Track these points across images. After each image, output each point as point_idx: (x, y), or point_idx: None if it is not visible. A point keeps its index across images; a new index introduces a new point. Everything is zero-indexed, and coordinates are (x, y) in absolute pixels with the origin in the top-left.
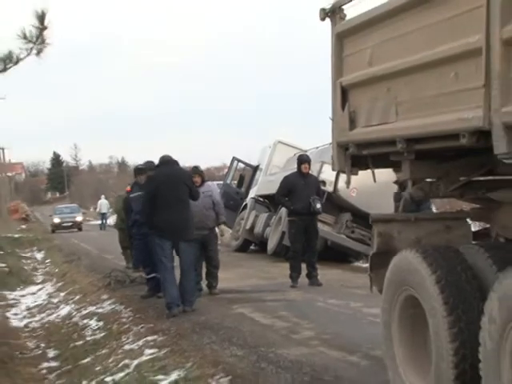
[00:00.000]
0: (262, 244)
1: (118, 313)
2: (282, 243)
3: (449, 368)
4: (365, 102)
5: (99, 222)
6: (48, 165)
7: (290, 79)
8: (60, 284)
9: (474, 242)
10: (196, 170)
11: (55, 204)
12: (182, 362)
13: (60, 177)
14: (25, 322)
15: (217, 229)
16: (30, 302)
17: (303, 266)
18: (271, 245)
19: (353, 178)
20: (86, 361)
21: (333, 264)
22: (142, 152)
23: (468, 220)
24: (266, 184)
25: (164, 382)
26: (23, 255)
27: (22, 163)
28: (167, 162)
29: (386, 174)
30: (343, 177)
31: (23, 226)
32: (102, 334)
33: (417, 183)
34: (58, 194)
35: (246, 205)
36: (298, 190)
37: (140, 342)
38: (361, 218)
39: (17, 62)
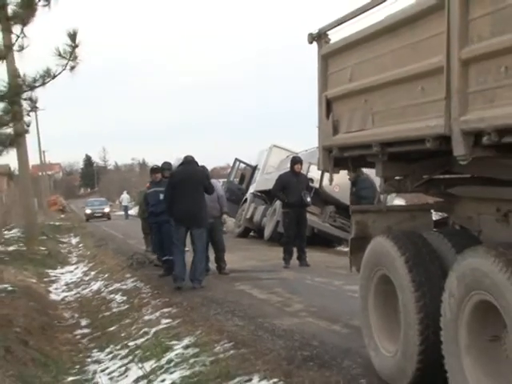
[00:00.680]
0: (259, 231)
1: (139, 289)
2: (277, 230)
3: (415, 335)
4: (346, 111)
5: (122, 212)
6: (81, 165)
7: (284, 96)
8: (91, 264)
9: (435, 229)
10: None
11: (87, 198)
12: (192, 330)
13: (91, 175)
14: (62, 296)
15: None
16: (67, 279)
17: (294, 250)
18: (267, 232)
19: (336, 176)
20: (112, 328)
21: (319, 248)
22: (159, 154)
23: (431, 211)
24: (263, 181)
25: (177, 346)
26: (62, 240)
27: (59, 164)
28: (188, 161)
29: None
30: (328, 175)
31: (62, 216)
32: (126, 307)
33: (388, 180)
34: (89, 190)
35: (246, 199)
36: (291, 186)
37: (157, 314)
38: (342, 210)
39: (54, 77)
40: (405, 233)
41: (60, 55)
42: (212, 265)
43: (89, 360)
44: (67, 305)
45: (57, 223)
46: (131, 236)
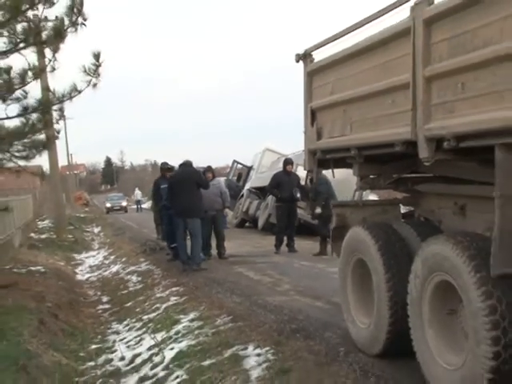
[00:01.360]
0: (254, 222)
1: (152, 271)
2: (269, 221)
3: (386, 309)
4: (328, 120)
5: (135, 206)
6: (102, 165)
7: (277, 106)
8: (110, 250)
9: (403, 221)
10: (209, 168)
11: (107, 194)
12: (196, 306)
13: (111, 174)
14: (86, 276)
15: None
16: (90, 262)
17: (285, 238)
18: (261, 222)
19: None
20: (129, 304)
21: (305, 237)
22: (169, 156)
23: (400, 205)
24: (257, 179)
25: (184, 319)
26: (86, 229)
27: (83, 164)
28: (184, 164)
29: (341, 173)
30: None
31: (86, 209)
32: (140, 286)
33: (364, 179)
34: (109, 186)
35: (243, 194)
36: (284, 183)
37: (167, 292)
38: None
39: (79, 92)
40: (377, 223)
41: (85, 71)
42: (213, 251)
43: (109, 331)
44: (91, 284)
45: (82, 215)
46: (144, 226)
